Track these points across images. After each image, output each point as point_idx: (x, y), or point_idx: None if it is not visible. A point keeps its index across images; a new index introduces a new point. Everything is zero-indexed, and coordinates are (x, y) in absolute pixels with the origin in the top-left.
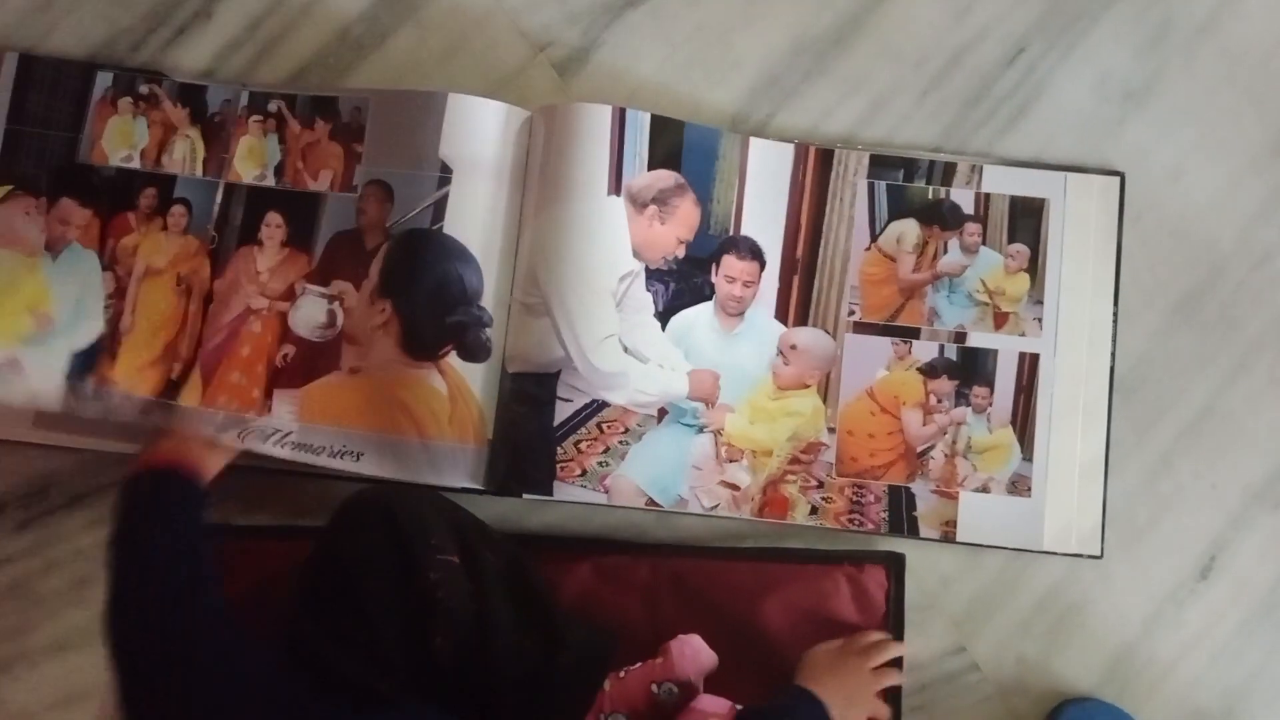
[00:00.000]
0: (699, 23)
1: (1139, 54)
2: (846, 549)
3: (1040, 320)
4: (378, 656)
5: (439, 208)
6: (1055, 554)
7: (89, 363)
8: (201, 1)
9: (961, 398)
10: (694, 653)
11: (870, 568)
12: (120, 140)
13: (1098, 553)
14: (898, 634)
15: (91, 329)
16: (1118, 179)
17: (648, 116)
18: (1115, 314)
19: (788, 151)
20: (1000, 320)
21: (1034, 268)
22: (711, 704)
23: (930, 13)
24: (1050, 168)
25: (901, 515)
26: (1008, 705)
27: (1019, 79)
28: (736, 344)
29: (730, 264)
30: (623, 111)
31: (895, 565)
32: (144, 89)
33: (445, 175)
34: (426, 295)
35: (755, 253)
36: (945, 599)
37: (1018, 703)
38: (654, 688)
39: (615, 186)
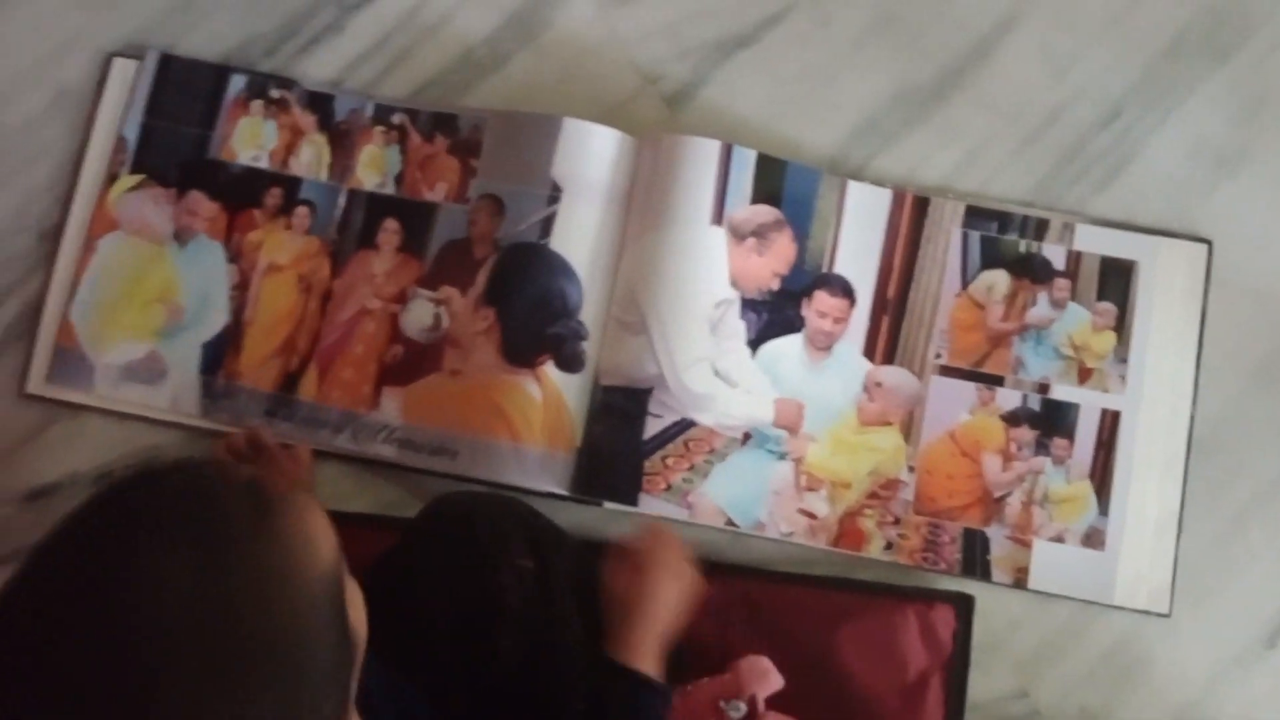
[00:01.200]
0: (805, 66)
1: (1234, 123)
2: (917, 586)
3: (1124, 378)
4: (424, 654)
5: (547, 224)
6: (1124, 609)
7: (218, 355)
8: (335, 14)
9: (1042, 447)
10: (763, 673)
11: (940, 607)
12: (250, 140)
13: (1166, 610)
14: (961, 677)
15: (217, 319)
16: (1205, 246)
17: (754, 154)
18: (1197, 376)
19: (885, 196)
20: (1084, 375)
21: (1121, 327)
22: None
23: (1030, 71)
24: (1141, 230)
25: (975, 558)
26: None
27: (1114, 140)
28: (823, 377)
29: (822, 299)
30: (730, 147)
31: (965, 607)
32: (275, 93)
33: (555, 194)
34: (529, 306)
35: (847, 290)
36: (1012, 642)
37: None
38: (721, 704)
39: (717, 217)
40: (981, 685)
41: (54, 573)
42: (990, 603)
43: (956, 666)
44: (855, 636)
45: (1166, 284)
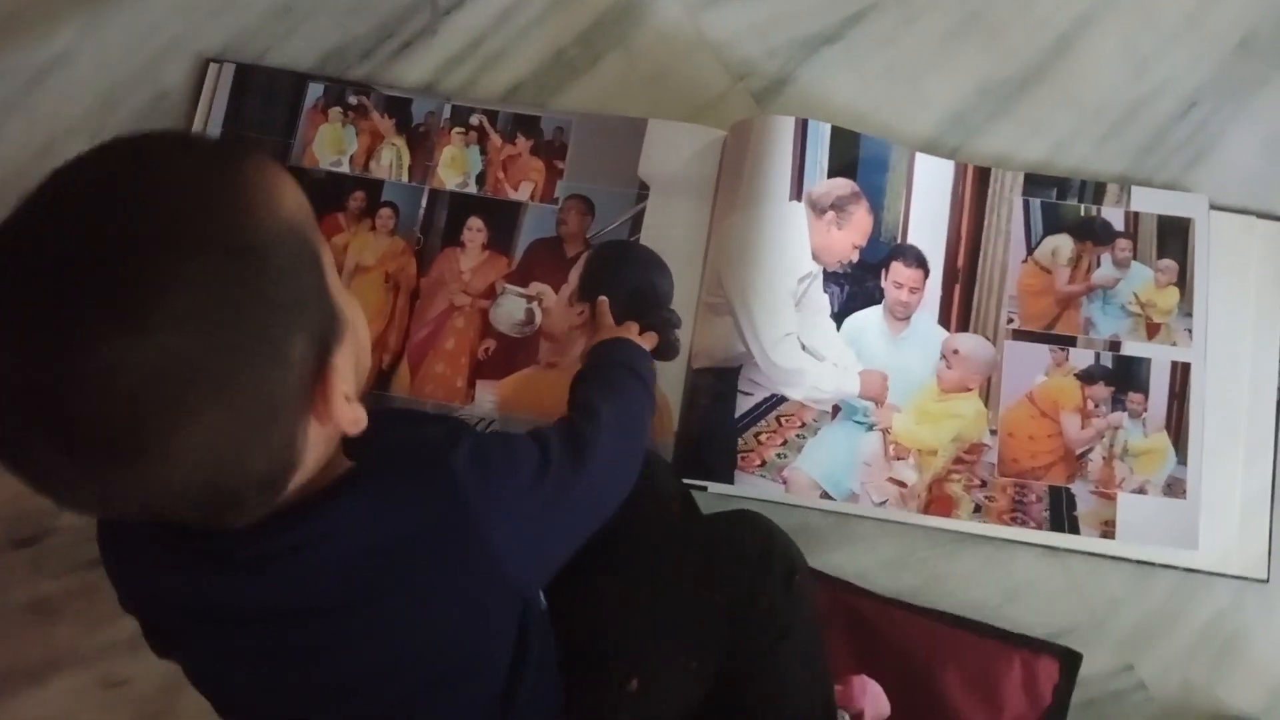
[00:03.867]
0: (890, 62)
1: None
2: (1025, 635)
3: (1190, 331)
4: None
5: (636, 221)
6: (1221, 575)
7: None
8: (429, 18)
9: (1118, 403)
10: (875, 694)
11: (1045, 659)
12: (330, 146)
13: (1264, 576)
14: None
15: None
16: None
17: (828, 127)
18: None
19: (948, 168)
20: (1152, 330)
21: (1183, 282)
22: None
23: (1110, 66)
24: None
25: (1062, 514)
26: None
27: (1191, 132)
28: (903, 347)
29: (898, 270)
30: (805, 123)
31: (1070, 662)
32: (353, 100)
33: (643, 192)
34: (623, 300)
35: (920, 261)
36: (1114, 620)
37: None
38: None
39: (797, 193)
40: (1087, 661)
41: (35, 194)
42: (1090, 579)
43: (1053, 719)
44: (956, 672)
45: (1230, 246)
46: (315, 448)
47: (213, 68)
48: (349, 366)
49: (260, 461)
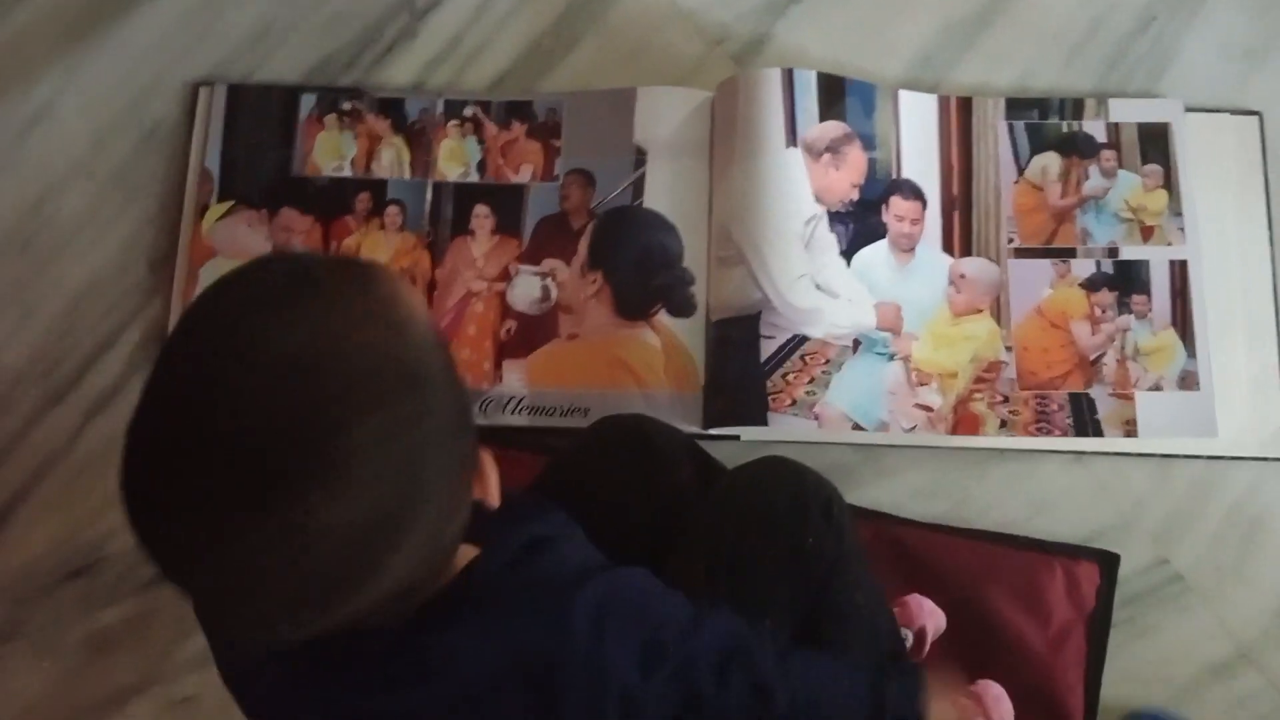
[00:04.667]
0: (855, 14)
1: (1254, 16)
2: (1063, 543)
3: (1183, 230)
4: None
5: (637, 186)
6: (1241, 459)
7: None
8: (407, 20)
9: (1123, 306)
10: (932, 610)
11: (1085, 563)
12: (330, 153)
13: None
14: (1103, 630)
15: None
16: (1256, 118)
17: (813, 74)
18: (1271, 235)
19: (932, 101)
20: (1147, 233)
21: (1169, 184)
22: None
23: None
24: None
25: (1085, 419)
26: (1213, 613)
27: (1151, 44)
28: (912, 277)
29: (897, 204)
30: (790, 72)
31: (1109, 564)
32: (346, 105)
33: (640, 158)
34: (633, 263)
35: (917, 193)
36: (1143, 517)
37: (1221, 609)
38: None
39: (792, 140)
40: (1124, 560)
41: (175, 362)
42: (1114, 478)
43: (1098, 621)
44: (1001, 586)
45: (1208, 146)
46: None
47: (204, 92)
48: None
49: (438, 558)
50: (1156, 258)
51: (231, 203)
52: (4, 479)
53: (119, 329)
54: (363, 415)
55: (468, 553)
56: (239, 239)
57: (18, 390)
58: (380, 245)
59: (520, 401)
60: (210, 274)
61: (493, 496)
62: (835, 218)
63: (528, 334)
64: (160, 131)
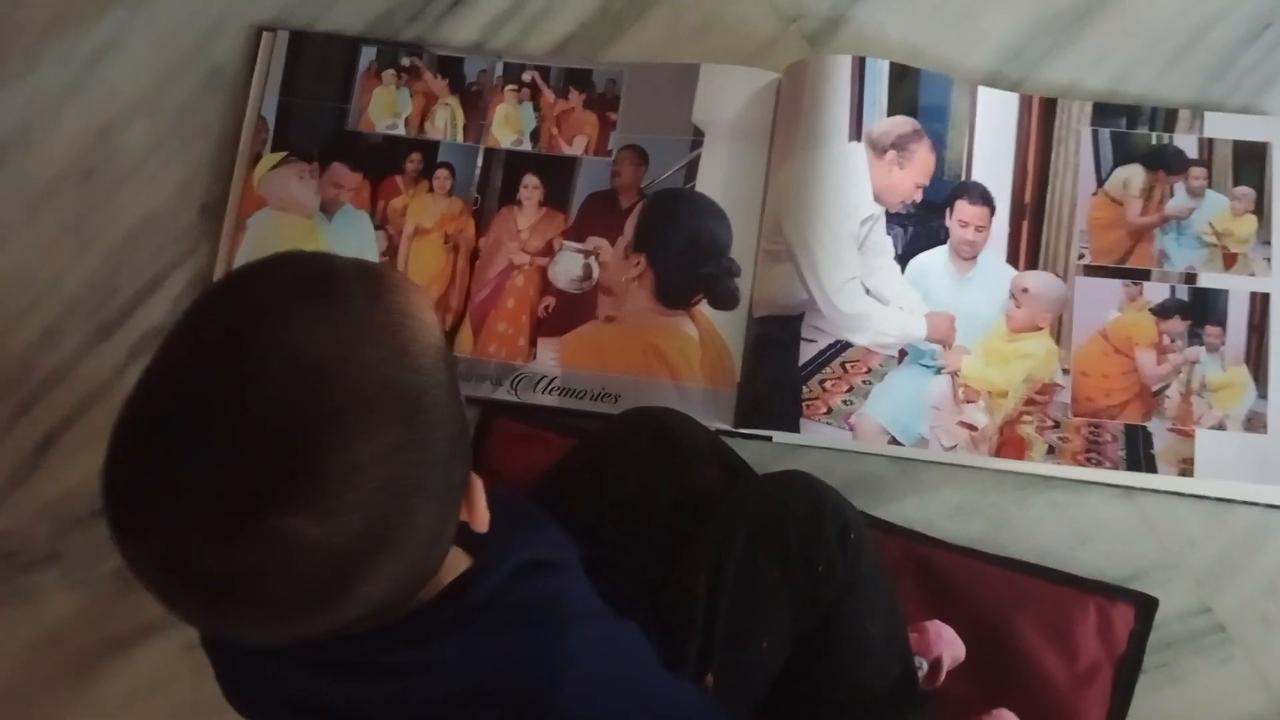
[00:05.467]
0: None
1: None
2: (1100, 581)
3: (1269, 260)
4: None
5: (691, 168)
6: None
7: None
8: None
9: (1194, 337)
10: (951, 639)
11: (1121, 605)
12: (385, 110)
13: None
14: (1132, 675)
15: None
16: None
17: (886, 64)
18: None
19: (1013, 101)
20: (1229, 261)
21: (1260, 209)
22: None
23: None
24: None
25: (1139, 453)
26: (1254, 666)
27: (1263, 54)
28: (970, 287)
29: (963, 209)
30: (862, 60)
31: (1146, 607)
32: (405, 61)
33: (698, 139)
34: (679, 249)
35: (985, 198)
36: (1190, 561)
37: (1264, 664)
38: None
39: (856, 133)
40: (1164, 603)
41: (181, 352)
42: (1165, 518)
43: (1128, 665)
44: (1030, 617)
45: None
46: None
47: (266, 37)
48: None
49: (422, 576)
50: (1237, 288)
51: (284, 153)
52: (52, 407)
53: (168, 270)
54: (359, 438)
55: (460, 562)
56: (290, 191)
57: (70, 320)
58: (427, 208)
59: (552, 381)
60: (258, 225)
61: (479, 522)
62: (893, 219)
63: (566, 312)
64: (223, 74)
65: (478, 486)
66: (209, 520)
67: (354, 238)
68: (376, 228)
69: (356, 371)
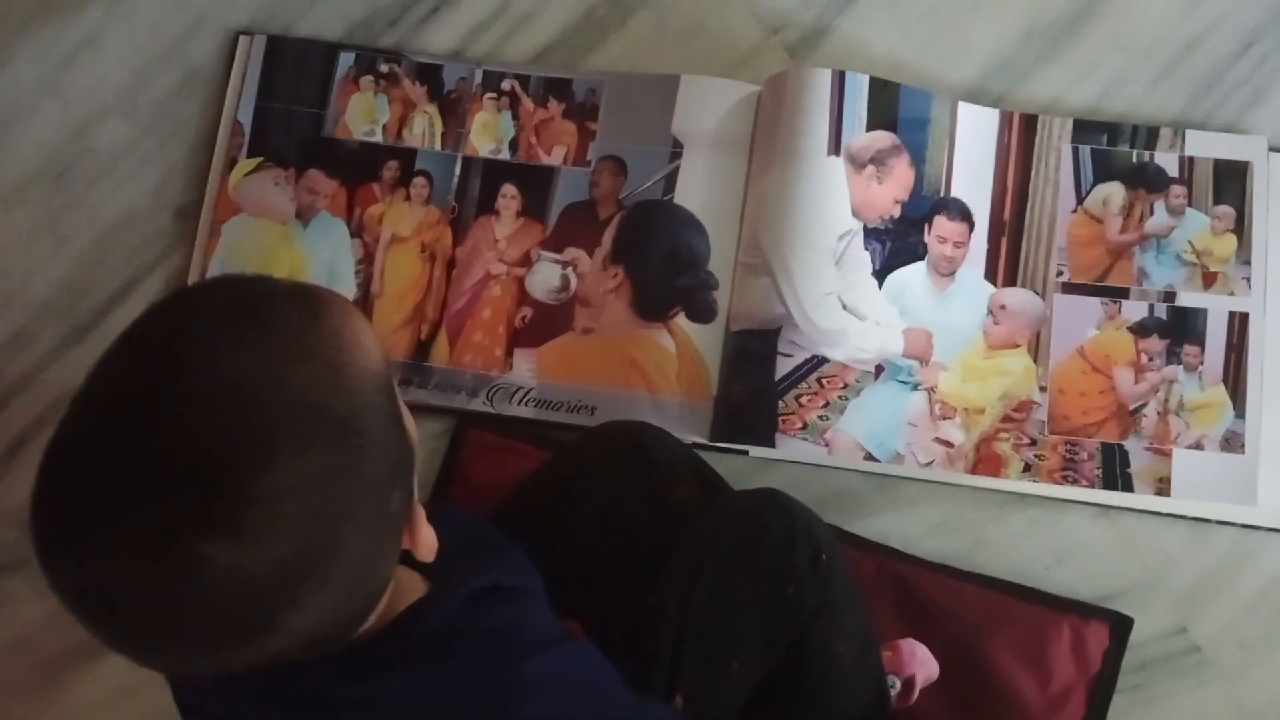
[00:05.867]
0: (931, 7)
1: None
2: (1076, 600)
3: (1249, 280)
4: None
5: (670, 180)
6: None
7: None
8: None
9: (1173, 356)
10: (924, 658)
11: (1095, 624)
12: (363, 116)
13: None
14: (1106, 696)
15: (346, 293)
16: None
17: (866, 79)
18: None
19: (993, 116)
20: (1209, 280)
21: (1240, 229)
22: None
23: (1162, 3)
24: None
25: (1115, 472)
26: (1228, 689)
27: (1249, 71)
28: (948, 303)
29: (941, 224)
30: (842, 74)
31: (1121, 627)
32: (384, 68)
33: (677, 150)
34: (657, 261)
35: (965, 214)
36: (1167, 581)
37: (1239, 688)
38: None
39: (835, 147)
40: (1140, 624)
41: (113, 375)
42: (1144, 537)
43: (1102, 685)
44: (1004, 637)
45: None
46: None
47: (243, 41)
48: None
49: (360, 607)
50: (1216, 307)
51: (260, 159)
52: (21, 411)
53: (142, 274)
54: (284, 461)
55: (415, 588)
56: (265, 197)
57: (41, 323)
58: (404, 217)
59: (528, 393)
60: (233, 231)
61: (424, 551)
62: (871, 234)
63: (543, 324)
64: (200, 76)
65: (420, 515)
66: (127, 548)
67: (330, 245)
68: (353, 235)
69: (283, 393)
